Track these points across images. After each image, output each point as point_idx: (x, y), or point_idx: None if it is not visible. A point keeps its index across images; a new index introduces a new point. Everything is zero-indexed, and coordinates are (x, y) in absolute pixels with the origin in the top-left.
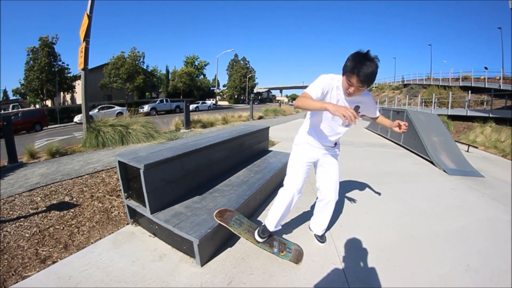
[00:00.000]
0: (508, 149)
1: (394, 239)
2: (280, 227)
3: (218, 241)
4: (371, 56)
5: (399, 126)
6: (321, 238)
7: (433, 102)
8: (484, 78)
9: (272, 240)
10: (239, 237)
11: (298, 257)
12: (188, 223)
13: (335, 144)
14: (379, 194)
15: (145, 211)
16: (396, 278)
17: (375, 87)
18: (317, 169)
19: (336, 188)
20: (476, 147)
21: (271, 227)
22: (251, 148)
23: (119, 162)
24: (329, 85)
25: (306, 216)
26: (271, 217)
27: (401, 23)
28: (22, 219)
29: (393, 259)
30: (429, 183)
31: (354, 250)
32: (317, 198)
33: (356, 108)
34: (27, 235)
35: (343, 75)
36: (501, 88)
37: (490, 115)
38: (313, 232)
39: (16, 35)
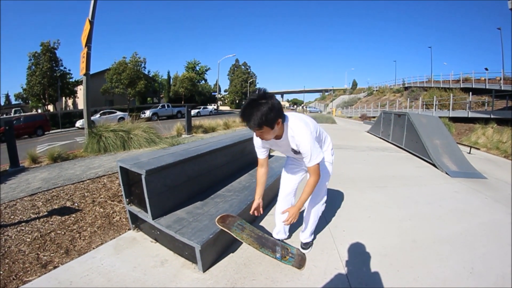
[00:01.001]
0: (510, 149)
1: (397, 244)
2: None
3: (220, 247)
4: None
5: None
6: (304, 245)
7: (434, 105)
8: (485, 79)
9: (275, 245)
10: (241, 243)
11: (300, 262)
12: (190, 229)
13: None
14: (382, 198)
15: (147, 216)
16: (400, 282)
17: (376, 90)
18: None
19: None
20: (478, 149)
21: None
22: (252, 153)
23: (121, 167)
24: (259, 141)
25: None
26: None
27: (401, 26)
28: (23, 224)
29: (396, 264)
30: (431, 186)
31: (357, 254)
32: None
33: (296, 152)
34: (28, 239)
35: None
36: (502, 88)
37: (492, 116)
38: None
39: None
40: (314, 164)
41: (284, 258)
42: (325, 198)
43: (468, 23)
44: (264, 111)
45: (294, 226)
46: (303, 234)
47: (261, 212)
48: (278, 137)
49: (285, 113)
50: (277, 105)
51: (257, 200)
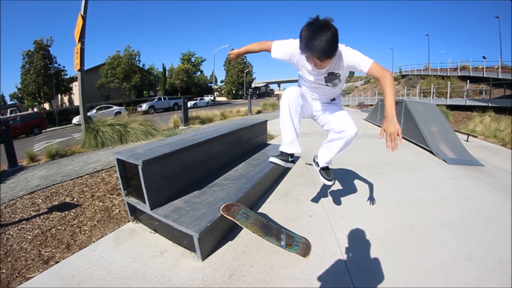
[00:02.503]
0: (507, 138)
1: (395, 229)
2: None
3: (218, 235)
4: (322, 22)
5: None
6: (326, 175)
7: (432, 92)
8: (483, 68)
9: (279, 233)
10: (240, 230)
11: (305, 250)
12: (188, 218)
13: (331, 100)
14: (377, 184)
15: (145, 207)
16: (398, 267)
17: (373, 79)
18: (320, 118)
19: (351, 121)
20: (476, 137)
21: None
22: (249, 142)
23: (118, 160)
24: (297, 49)
25: (306, 208)
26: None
27: (398, 13)
28: (24, 222)
29: (394, 249)
30: (429, 172)
31: (355, 240)
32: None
33: (332, 77)
34: (29, 237)
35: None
36: (500, 77)
37: (489, 104)
38: (318, 167)
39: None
40: (372, 61)
41: (289, 246)
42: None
43: (466, 11)
44: (336, 41)
45: (293, 214)
46: (325, 155)
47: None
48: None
49: None
50: None
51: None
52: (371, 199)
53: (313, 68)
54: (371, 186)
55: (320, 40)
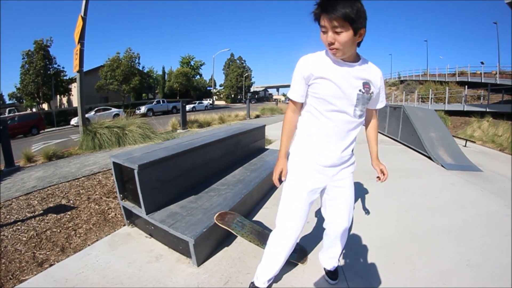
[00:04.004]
0: (505, 143)
1: (393, 235)
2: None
3: (214, 241)
4: None
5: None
6: (331, 274)
7: (430, 98)
8: (481, 73)
9: None
10: (236, 237)
11: (302, 257)
12: (184, 223)
13: (349, 156)
14: (377, 190)
15: (141, 212)
16: (396, 274)
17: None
18: (323, 196)
19: (349, 217)
20: (474, 142)
21: (260, 283)
22: (247, 147)
23: (114, 163)
24: (308, 65)
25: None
26: (260, 270)
27: (397, 19)
28: (19, 223)
29: (392, 256)
30: (427, 178)
31: (353, 246)
32: (324, 229)
33: (366, 89)
34: (24, 238)
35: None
36: (498, 82)
37: (487, 110)
38: (323, 267)
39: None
40: (384, 104)
41: None
42: None
43: (464, 17)
44: (355, 5)
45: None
46: (331, 261)
47: (284, 179)
48: (347, 60)
49: None
50: (366, 18)
51: (284, 159)
52: (369, 205)
53: (337, 70)
54: (369, 192)
55: None
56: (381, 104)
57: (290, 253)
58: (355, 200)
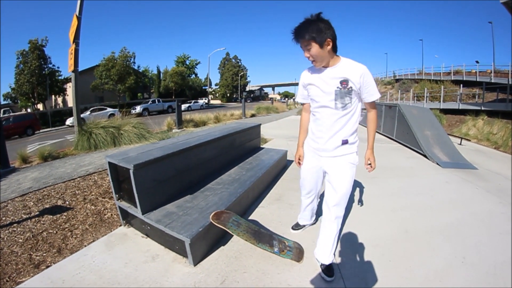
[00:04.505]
0: (500, 141)
1: (389, 234)
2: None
3: (211, 240)
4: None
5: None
6: (327, 270)
7: (425, 96)
8: (476, 72)
9: (272, 239)
10: (232, 236)
11: (299, 255)
12: (180, 223)
13: (343, 142)
14: (372, 189)
15: (137, 211)
16: (392, 273)
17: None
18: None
19: (337, 205)
20: (469, 140)
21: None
22: (242, 146)
23: (109, 163)
24: (304, 77)
25: (298, 213)
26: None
27: (392, 18)
28: (15, 225)
29: (388, 254)
30: (422, 176)
31: (349, 245)
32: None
33: (344, 85)
34: (20, 240)
35: None
36: (493, 81)
37: (482, 108)
38: (319, 263)
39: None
40: (378, 97)
41: (282, 252)
42: (343, 211)
43: (460, 16)
44: (315, 26)
45: (286, 220)
46: (321, 251)
47: (302, 163)
48: (327, 66)
49: None
50: (330, 27)
51: (301, 148)
52: (365, 204)
53: (319, 76)
54: (365, 190)
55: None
56: (371, 97)
57: (312, 205)
58: (351, 198)
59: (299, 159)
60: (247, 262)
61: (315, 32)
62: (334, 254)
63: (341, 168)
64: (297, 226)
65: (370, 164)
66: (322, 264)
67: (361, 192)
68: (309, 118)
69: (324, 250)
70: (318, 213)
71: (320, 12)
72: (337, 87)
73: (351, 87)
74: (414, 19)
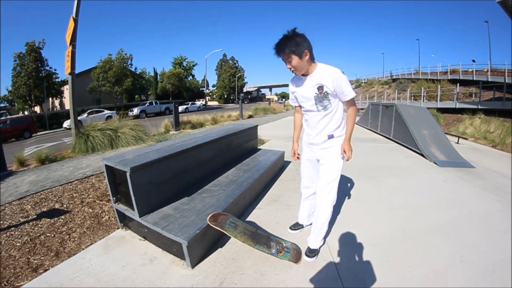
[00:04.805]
0: (497, 139)
1: (387, 234)
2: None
3: (208, 242)
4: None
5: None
6: (309, 252)
7: (422, 96)
8: (472, 71)
9: (269, 241)
10: (229, 238)
11: (296, 256)
12: (177, 225)
13: (329, 137)
14: (370, 188)
15: (134, 214)
16: (390, 272)
17: (364, 82)
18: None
19: (324, 192)
20: (466, 139)
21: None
22: (239, 147)
23: (106, 166)
24: (290, 86)
25: (296, 213)
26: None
27: (389, 18)
28: (12, 229)
29: (386, 254)
30: (420, 175)
31: (347, 245)
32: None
33: (320, 91)
34: (18, 244)
35: None
36: (489, 80)
37: (479, 107)
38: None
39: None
40: (352, 97)
41: (280, 253)
42: (335, 198)
43: (456, 16)
44: (293, 41)
45: (284, 221)
46: (310, 237)
47: (299, 157)
48: (306, 74)
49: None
50: (305, 40)
51: (296, 144)
52: (362, 203)
53: (300, 85)
54: (362, 190)
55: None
56: (345, 97)
57: (310, 201)
58: (349, 198)
59: (294, 152)
60: (244, 264)
61: (293, 46)
62: (325, 241)
63: (329, 158)
64: (295, 226)
65: (345, 153)
66: (308, 247)
67: (359, 192)
68: (301, 118)
69: (311, 234)
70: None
71: (295, 28)
72: (315, 93)
73: (326, 92)
74: (410, 19)
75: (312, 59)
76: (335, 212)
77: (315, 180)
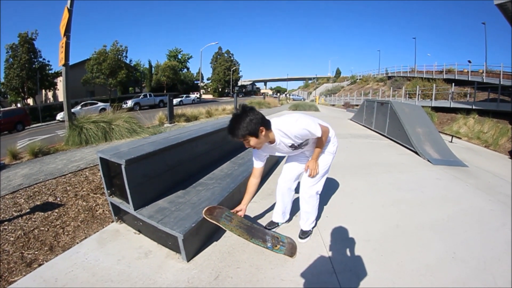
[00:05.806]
0: (490, 139)
1: (380, 229)
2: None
3: (203, 236)
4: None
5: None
6: (302, 234)
7: (417, 94)
8: (468, 71)
9: (265, 235)
10: (225, 231)
11: (292, 250)
12: (172, 219)
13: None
14: (364, 184)
15: (129, 207)
16: (383, 267)
17: (360, 79)
18: None
19: (305, 183)
20: (460, 138)
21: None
22: (234, 141)
23: (101, 158)
24: (261, 151)
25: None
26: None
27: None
28: (6, 223)
29: (379, 249)
30: (413, 173)
31: (341, 240)
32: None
33: (291, 144)
34: (11, 239)
35: None
36: (484, 81)
37: (473, 107)
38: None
39: None
40: (319, 134)
41: (275, 247)
42: (320, 189)
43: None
44: (245, 123)
45: (293, 211)
46: (302, 222)
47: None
48: (272, 142)
49: (271, 119)
50: (257, 116)
51: (242, 206)
52: (356, 199)
53: (271, 150)
54: (356, 186)
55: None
56: (313, 137)
57: (287, 195)
58: (343, 194)
59: (237, 211)
60: (240, 258)
61: (247, 129)
62: (316, 223)
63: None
64: (270, 225)
65: (308, 168)
66: (300, 230)
67: (353, 188)
68: (257, 183)
69: (301, 220)
70: (292, 213)
71: (244, 104)
72: (288, 147)
73: (294, 142)
74: (408, 18)
75: (268, 130)
76: (330, 207)
77: (297, 174)
